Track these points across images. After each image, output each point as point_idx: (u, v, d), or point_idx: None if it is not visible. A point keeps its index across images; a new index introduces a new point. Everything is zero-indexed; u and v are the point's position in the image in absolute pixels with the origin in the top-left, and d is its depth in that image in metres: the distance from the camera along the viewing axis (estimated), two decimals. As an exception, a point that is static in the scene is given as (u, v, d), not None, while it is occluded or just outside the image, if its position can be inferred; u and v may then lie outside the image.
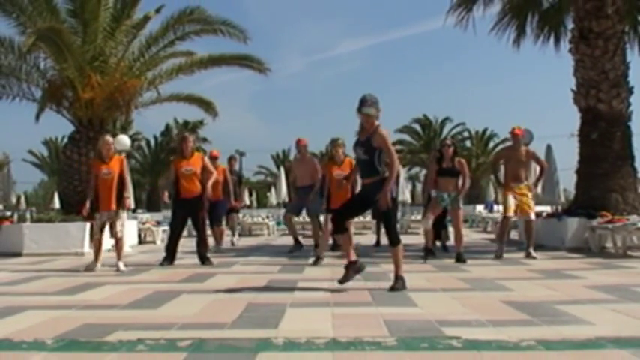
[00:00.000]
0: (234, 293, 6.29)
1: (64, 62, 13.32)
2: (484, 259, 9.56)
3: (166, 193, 9.99)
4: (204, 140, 48.05)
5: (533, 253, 9.67)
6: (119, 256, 8.85)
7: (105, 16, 14.07)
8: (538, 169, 10.37)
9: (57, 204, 24.95)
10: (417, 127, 53.63)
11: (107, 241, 12.10)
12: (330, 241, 10.17)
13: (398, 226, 18.27)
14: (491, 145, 50.61)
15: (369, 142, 6.26)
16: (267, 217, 22.48)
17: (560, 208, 14.93)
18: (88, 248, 11.59)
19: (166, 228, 12.94)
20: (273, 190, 31.97)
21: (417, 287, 6.47)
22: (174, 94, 16.05)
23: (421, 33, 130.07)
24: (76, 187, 13.67)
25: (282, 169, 26.45)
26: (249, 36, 14.93)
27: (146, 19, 14.16)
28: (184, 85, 29.76)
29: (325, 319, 4.70)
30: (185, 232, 11.48)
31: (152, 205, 46.93)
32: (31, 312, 5.28)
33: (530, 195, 9.95)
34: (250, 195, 36.24)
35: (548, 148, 15.04)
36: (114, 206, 8.86)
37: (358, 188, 7.26)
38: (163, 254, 9.52)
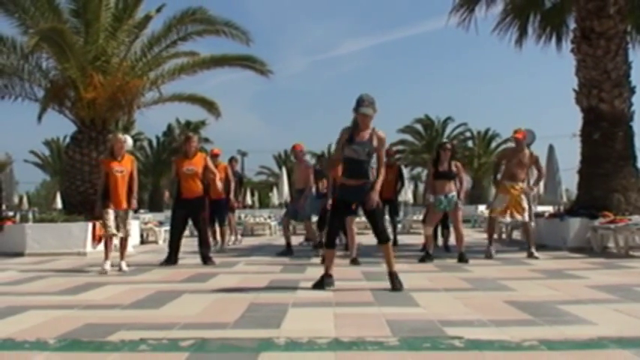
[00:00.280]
0: (237, 293, 6.30)
1: (67, 62, 13.32)
2: (486, 259, 9.55)
3: (167, 193, 10.02)
4: (207, 140, 47.98)
5: (536, 253, 9.67)
6: (122, 256, 8.82)
7: (107, 16, 14.06)
8: (536, 173, 10.35)
9: (59, 204, 24.98)
10: (419, 127, 53.51)
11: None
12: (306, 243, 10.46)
13: (400, 226, 18.37)
14: (494, 145, 50.48)
15: (370, 143, 6.31)
16: (269, 217, 22.49)
17: (562, 208, 14.90)
18: (90, 248, 11.60)
19: (168, 228, 12.96)
20: (275, 190, 32.03)
21: (419, 287, 6.48)
22: (176, 94, 16.05)
23: (423, 33, 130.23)
24: (79, 187, 13.67)
25: (284, 169, 26.45)
26: (251, 38, 14.94)
27: (147, 18, 14.15)
28: (186, 85, 29.80)
29: (327, 319, 4.70)
30: (187, 232, 11.51)
31: (154, 205, 46.90)
32: (34, 312, 5.29)
33: (524, 196, 9.89)
34: (252, 195, 36.28)
35: (551, 148, 15.05)
36: (125, 204, 8.85)
37: None
38: (165, 254, 9.53)
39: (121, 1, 14.34)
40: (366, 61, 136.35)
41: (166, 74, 15.18)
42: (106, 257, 8.61)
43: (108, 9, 14.11)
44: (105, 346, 3.95)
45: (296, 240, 12.87)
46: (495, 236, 12.01)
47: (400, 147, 52.47)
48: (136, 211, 9.26)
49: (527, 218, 9.92)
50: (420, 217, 15.77)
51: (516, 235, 14.34)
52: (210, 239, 10.77)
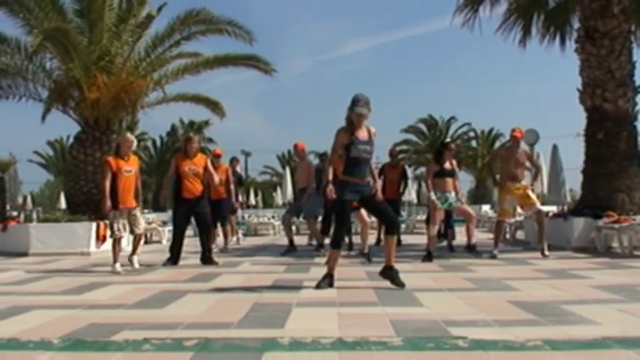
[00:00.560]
0: (240, 293, 6.30)
1: (70, 62, 13.36)
2: (490, 259, 9.54)
3: (162, 195, 10.07)
4: (210, 140, 48.05)
5: (547, 251, 9.65)
6: (135, 251, 8.87)
7: (111, 17, 14.10)
8: (533, 170, 10.39)
9: (63, 204, 25.03)
10: (423, 126, 53.56)
11: (110, 241, 12.23)
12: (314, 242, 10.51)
13: (404, 226, 18.33)
14: (497, 144, 50.41)
15: (372, 140, 6.50)
16: (273, 217, 22.52)
17: (566, 207, 14.89)
18: (94, 248, 11.63)
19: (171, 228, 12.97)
20: (279, 189, 32.04)
21: (423, 287, 6.47)
22: (180, 94, 16.08)
23: (427, 33, 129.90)
24: (82, 187, 13.71)
25: (287, 169, 26.48)
26: (254, 37, 14.96)
27: (149, 17, 14.17)
28: (190, 85, 29.80)
29: (331, 319, 4.70)
30: (191, 232, 11.52)
31: (158, 205, 46.91)
32: (38, 312, 5.29)
33: (529, 192, 9.94)
34: (256, 195, 36.31)
35: (554, 148, 15.04)
36: (134, 203, 8.85)
37: None
38: (168, 254, 9.54)
39: (125, 2, 14.37)
40: (370, 60, 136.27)
41: (170, 74, 15.22)
42: (115, 260, 8.58)
43: (112, 9, 14.15)
44: (109, 345, 3.96)
45: (300, 240, 12.87)
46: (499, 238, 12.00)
47: (404, 147, 52.50)
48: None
49: (539, 206, 9.96)
50: (424, 217, 15.80)
51: (520, 234, 14.34)
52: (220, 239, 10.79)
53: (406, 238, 14.42)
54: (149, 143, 53.15)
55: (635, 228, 9.89)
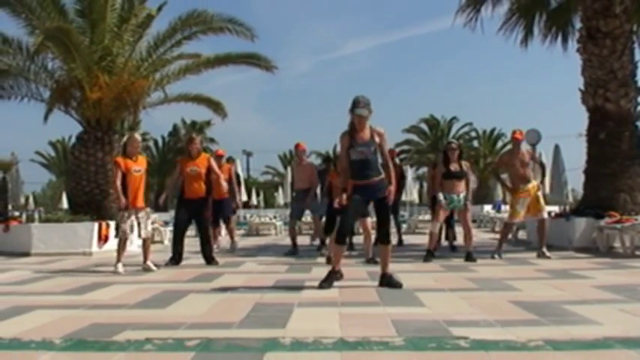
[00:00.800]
0: (242, 293, 6.31)
1: (72, 62, 13.37)
2: (492, 259, 9.53)
3: (163, 196, 10.08)
4: (212, 140, 48.04)
5: (547, 253, 9.67)
6: (147, 257, 8.78)
7: (112, 17, 14.11)
8: (539, 169, 10.38)
9: (65, 204, 25.07)
10: (425, 126, 53.51)
11: (114, 242, 12.22)
12: (317, 242, 10.46)
13: (405, 226, 18.30)
14: (499, 144, 50.40)
15: (373, 140, 6.44)
16: (275, 217, 22.53)
17: (568, 207, 14.88)
18: (95, 248, 11.64)
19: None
20: (280, 189, 32.03)
21: (425, 287, 6.48)
22: (182, 94, 16.09)
23: (428, 32, 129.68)
24: (84, 187, 13.72)
25: (289, 169, 26.48)
26: (256, 33, 14.95)
27: (149, 17, 14.16)
28: (192, 85, 29.86)
29: (333, 319, 4.70)
30: (192, 232, 11.53)
31: (160, 205, 46.96)
32: (40, 312, 5.30)
33: (540, 193, 9.96)
34: (258, 195, 36.29)
35: (556, 148, 15.01)
36: (143, 203, 8.85)
37: None
38: (170, 254, 9.54)
39: (127, 2, 14.38)
40: (372, 60, 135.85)
41: (171, 74, 15.22)
42: (119, 259, 8.58)
43: (114, 9, 14.16)
44: (111, 345, 3.96)
45: (302, 240, 12.88)
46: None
47: (405, 147, 52.52)
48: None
49: (545, 215, 9.97)
50: (426, 217, 15.80)
51: (522, 235, 14.32)
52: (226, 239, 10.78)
53: (408, 238, 14.42)
54: (151, 143, 53.13)
55: (637, 228, 9.87)
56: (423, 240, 13.03)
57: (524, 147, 10.24)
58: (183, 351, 3.77)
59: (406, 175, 14.60)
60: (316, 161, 30.87)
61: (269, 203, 42.37)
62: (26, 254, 11.49)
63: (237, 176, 14.78)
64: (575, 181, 16.62)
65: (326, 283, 6.45)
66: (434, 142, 50.47)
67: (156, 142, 53.60)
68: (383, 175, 6.52)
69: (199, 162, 9.38)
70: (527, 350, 3.68)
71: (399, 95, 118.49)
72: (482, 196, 41.94)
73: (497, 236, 11.46)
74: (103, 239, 11.92)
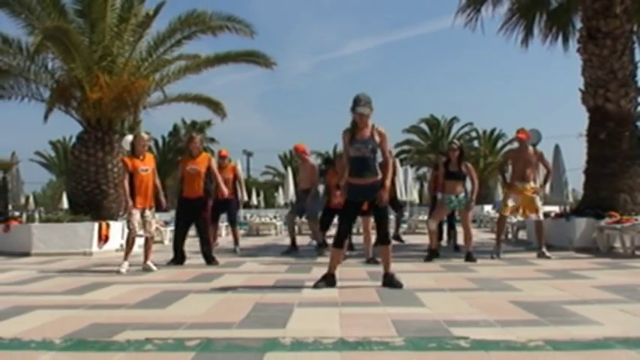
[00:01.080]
0: (242, 293, 6.31)
1: (72, 62, 13.37)
2: (492, 259, 9.53)
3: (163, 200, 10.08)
4: (212, 140, 48.09)
5: (547, 253, 9.67)
6: (148, 257, 8.75)
7: (112, 16, 14.10)
8: (542, 170, 10.36)
9: (65, 204, 25.06)
10: (425, 127, 53.50)
11: (115, 242, 12.23)
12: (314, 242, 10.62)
13: (405, 225, 18.28)
14: (500, 144, 50.40)
15: (373, 139, 6.44)
16: (275, 217, 22.54)
17: (568, 208, 14.89)
18: (96, 248, 11.64)
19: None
20: (280, 190, 32.04)
21: (425, 287, 6.47)
22: (182, 94, 16.07)
23: (429, 32, 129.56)
24: (85, 187, 13.70)
25: (289, 169, 26.49)
26: (255, 30, 14.92)
27: (148, 17, 14.15)
28: (192, 84, 29.85)
29: (333, 319, 4.70)
30: (193, 232, 11.52)
31: (160, 205, 46.96)
32: (40, 312, 5.30)
33: (536, 196, 9.94)
34: (258, 195, 36.31)
35: (557, 148, 15.01)
36: (151, 203, 8.85)
37: None
38: (171, 254, 9.54)
39: (126, 2, 14.38)
40: (372, 60, 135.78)
41: (172, 74, 15.20)
42: (126, 258, 8.57)
43: (113, 9, 14.15)
44: (111, 345, 3.96)
45: (301, 240, 12.88)
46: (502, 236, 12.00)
47: (405, 147, 52.53)
48: (157, 210, 9.21)
49: (541, 217, 9.97)
50: (427, 218, 15.79)
51: (522, 234, 14.33)
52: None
53: (408, 238, 14.44)
54: (151, 143, 53.15)
55: (638, 228, 9.88)
56: (423, 240, 13.05)
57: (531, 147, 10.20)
58: (184, 351, 3.76)
59: (396, 171, 14.57)
60: (316, 161, 30.82)
61: (269, 203, 42.41)
62: (26, 254, 11.49)
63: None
64: (576, 181, 16.65)
65: (321, 282, 6.48)
66: (434, 142, 50.46)
67: (156, 142, 53.60)
68: (379, 177, 6.50)
69: (199, 161, 9.38)
70: (527, 350, 3.68)
71: (399, 95, 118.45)
72: (482, 196, 41.95)
73: (493, 235, 11.46)
74: (103, 239, 11.92)
